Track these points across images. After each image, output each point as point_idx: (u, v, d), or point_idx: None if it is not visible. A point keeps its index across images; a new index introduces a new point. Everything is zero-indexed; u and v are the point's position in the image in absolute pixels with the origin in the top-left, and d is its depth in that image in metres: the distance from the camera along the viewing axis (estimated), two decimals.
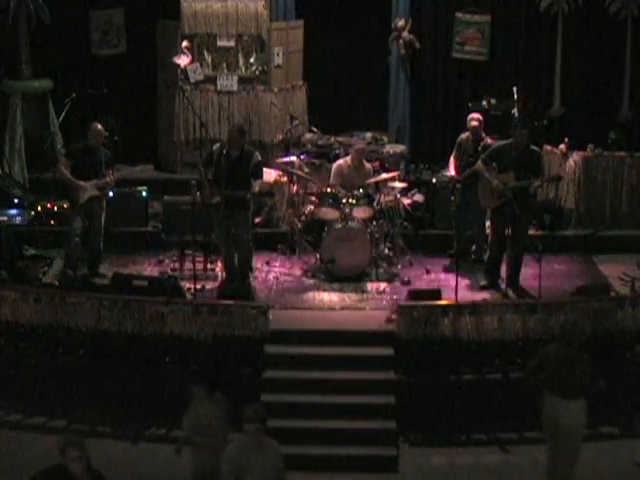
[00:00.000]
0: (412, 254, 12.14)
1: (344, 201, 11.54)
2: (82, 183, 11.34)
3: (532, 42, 15.21)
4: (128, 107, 15.26)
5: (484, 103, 14.63)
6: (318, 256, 11.58)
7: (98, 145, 11.53)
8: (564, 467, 8.30)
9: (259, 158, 10.97)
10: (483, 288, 11.30)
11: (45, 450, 9.06)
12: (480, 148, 11.78)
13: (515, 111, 13.87)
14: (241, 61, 14.47)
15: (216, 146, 11.10)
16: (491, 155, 11.18)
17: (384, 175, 12.22)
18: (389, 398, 9.57)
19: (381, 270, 11.63)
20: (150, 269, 11.96)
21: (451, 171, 12.22)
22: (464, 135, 12.13)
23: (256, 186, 10.93)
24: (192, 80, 14.23)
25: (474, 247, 12.22)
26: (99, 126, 11.58)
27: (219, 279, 11.44)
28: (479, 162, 11.29)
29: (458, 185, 12.04)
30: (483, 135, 12.03)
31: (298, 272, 11.77)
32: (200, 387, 7.88)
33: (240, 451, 7.01)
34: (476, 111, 12.92)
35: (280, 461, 7.04)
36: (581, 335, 8.27)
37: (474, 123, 11.98)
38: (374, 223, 11.77)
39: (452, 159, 12.23)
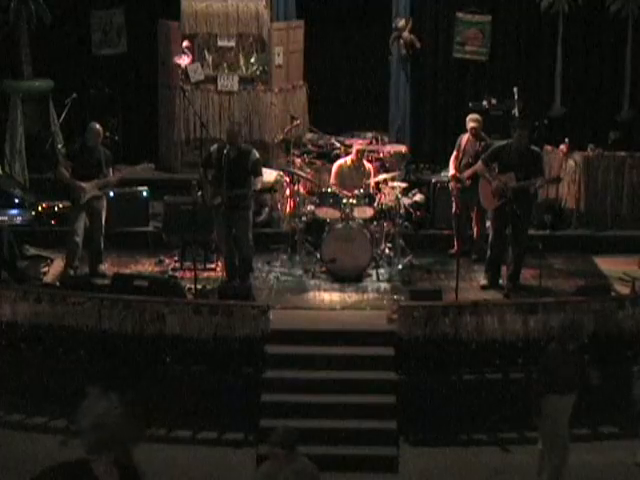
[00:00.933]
0: (412, 254, 12.14)
1: (344, 201, 11.54)
2: (83, 184, 11.34)
3: (532, 42, 15.22)
4: (128, 107, 15.27)
5: (484, 103, 14.62)
6: (318, 256, 11.58)
7: (96, 145, 11.52)
8: (555, 463, 8.28)
9: (257, 156, 11.00)
10: (483, 288, 11.30)
11: (45, 450, 9.08)
12: (480, 148, 11.78)
13: (515, 111, 13.87)
14: (242, 61, 14.47)
15: (214, 147, 11.13)
16: (491, 155, 11.18)
17: (384, 175, 12.23)
18: (389, 398, 9.56)
19: (381, 270, 11.63)
20: (150, 269, 11.97)
21: (451, 170, 12.23)
22: (464, 135, 12.14)
23: (257, 183, 10.96)
24: (193, 80, 14.24)
25: (474, 247, 12.22)
26: (97, 126, 11.58)
27: (219, 279, 11.44)
28: (479, 162, 11.30)
29: (458, 185, 12.05)
30: (483, 135, 12.04)
31: (298, 272, 11.77)
32: (94, 386, 7.69)
33: (268, 474, 6.72)
34: (476, 111, 12.93)
35: None
36: (581, 334, 8.27)
37: (472, 124, 11.98)
38: (374, 223, 11.77)
39: (452, 159, 12.24)
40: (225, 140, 11.05)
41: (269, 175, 12.61)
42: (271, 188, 12.70)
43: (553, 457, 8.30)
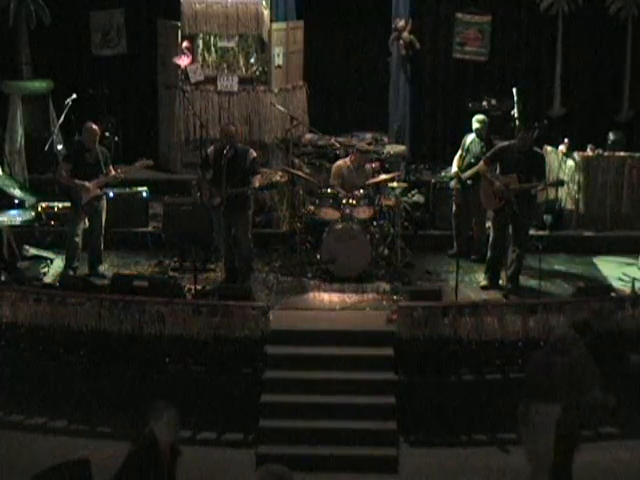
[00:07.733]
0: (412, 254, 12.14)
1: (344, 201, 11.54)
2: (86, 183, 11.31)
3: (532, 42, 15.25)
4: (128, 107, 15.28)
5: (484, 103, 14.65)
6: (318, 256, 11.57)
7: (94, 144, 11.49)
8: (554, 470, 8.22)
9: (254, 154, 11.03)
10: (483, 288, 11.30)
11: (45, 450, 9.08)
12: (483, 149, 11.79)
13: (515, 112, 13.87)
14: (241, 61, 14.48)
15: (211, 148, 11.16)
16: (494, 156, 11.18)
17: (384, 176, 12.22)
18: (389, 398, 9.56)
19: (381, 270, 11.63)
20: (150, 269, 11.97)
21: (454, 168, 12.22)
22: (469, 135, 12.14)
23: (255, 181, 10.97)
24: (192, 80, 14.24)
25: (474, 247, 12.22)
26: (93, 126, 11.55)
27: (219, 279, 11.44)
28: (482, 162, 11.30)
29: (458, 185, 12.06)
30: (487, 136, 12.04)
31: (298, 272, 11.76)
32: None
33: None
34: (476, 112, 12.94)
35: None
36: (576, 346, 8.18)
37: (477, 125, 11.99)
38: (374, 224, 11.77)
39: (457, 157, 12.24)
40: (220, 140, 11.06)
41: (269, 176, 12.61)
42: (271, 185, 12.69)
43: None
